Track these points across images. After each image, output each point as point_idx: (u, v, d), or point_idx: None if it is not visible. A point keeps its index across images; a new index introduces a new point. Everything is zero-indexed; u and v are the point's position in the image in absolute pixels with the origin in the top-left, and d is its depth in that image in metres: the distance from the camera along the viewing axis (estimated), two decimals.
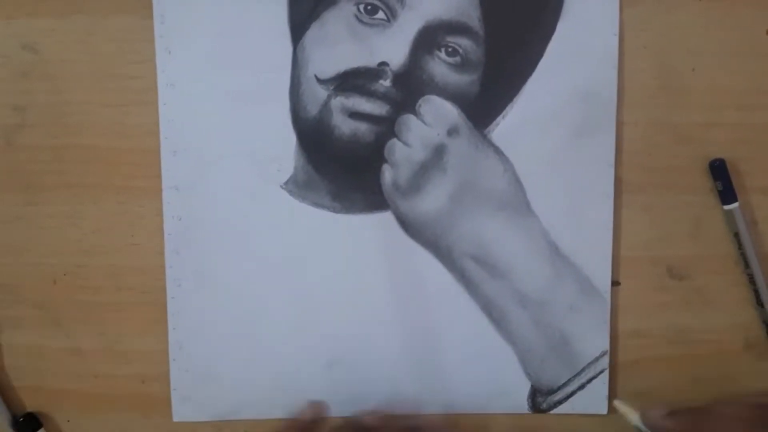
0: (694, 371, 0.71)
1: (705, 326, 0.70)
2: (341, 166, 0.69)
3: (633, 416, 0.64)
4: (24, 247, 0.71)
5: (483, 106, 0.68)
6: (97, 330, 0.72)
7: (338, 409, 0.71)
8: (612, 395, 0.70)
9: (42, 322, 0.72)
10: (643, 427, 0.63)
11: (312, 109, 0.68)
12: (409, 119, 0.68)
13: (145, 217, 0.70)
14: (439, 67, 0.67)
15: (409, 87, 0.67)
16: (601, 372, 0.70)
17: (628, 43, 0.68)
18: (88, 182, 0.70)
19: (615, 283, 0.70)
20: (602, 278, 0.69)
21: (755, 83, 0.68)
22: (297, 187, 0.69)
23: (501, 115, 0.68)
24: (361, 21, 0.67)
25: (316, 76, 0.68)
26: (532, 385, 0.70)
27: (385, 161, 0.68)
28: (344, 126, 0.68)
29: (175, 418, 0.72)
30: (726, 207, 0.68)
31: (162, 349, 0.71)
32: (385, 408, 0.69)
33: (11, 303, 0.72)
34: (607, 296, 0.69)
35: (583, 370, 0.70)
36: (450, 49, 0.67)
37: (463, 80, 0.67)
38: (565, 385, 0.70)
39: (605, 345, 0.70)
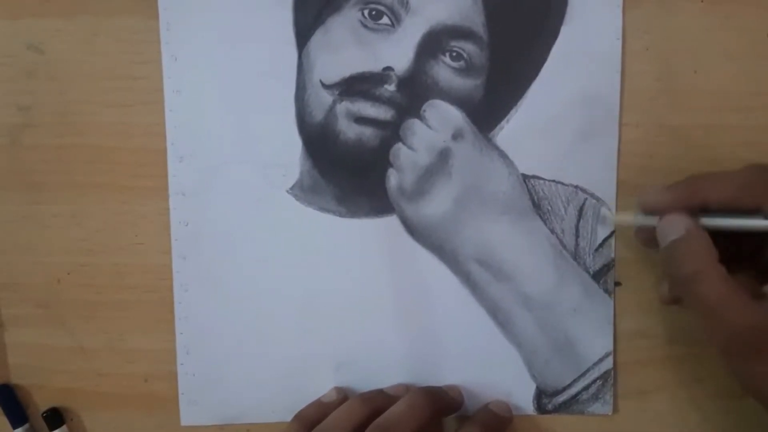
0: (697, 371, 0.71)
1: None
2: (347, 170, 0.69)
3: (629, 216, 0.65)
4: (28, 246, 0.71)
5: (487, 110, 0.68)
6: (101, 329, 0.72)
7: None
8: (616, 396, 0.71)
9: (46, 321, 0.72)
10: (642, 219, 0.63)
11: (317, 114, 0.68)
12: (414, 124, 0.68)
13: (149, 216, 0.70)
14: (443, 71, 0.67)
15: (413, 91, 0.68)
16: (606, 373, 0.70)
17: (630, 45, 0.68)
18: (92, 182, 0.70)
19: (617, 284, 0.70)
20: (606, 280, 0.70)
21: (757, 85, 0.68)
22: (303, 191, 0.69)
23: (505, 119, 0.68)
24: (365, 26, 0.67)
25: (321, 81, 0.68)
26: (537, 387, 0.71)
27: (391, 165, 0.69)
28: (349, 131, 0.68)
29: (183, 422, 0.72)
30: None
31: (166, 348, 0.71)
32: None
33: (15, 302, 0.72)
34: (611, 298, 0.70)
35: (587, 371, 0.70)
36: (454, 54, 0.67)
37: (468, 84, 0.68)
38: (570, 386, 0.70)
39: (609, 346, 0.70)
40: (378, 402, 0.67)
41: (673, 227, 0.60)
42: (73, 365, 0.72)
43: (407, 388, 0.70)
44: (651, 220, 0.62)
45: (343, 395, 0.70)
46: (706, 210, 0.60)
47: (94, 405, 0.73)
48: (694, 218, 0.60)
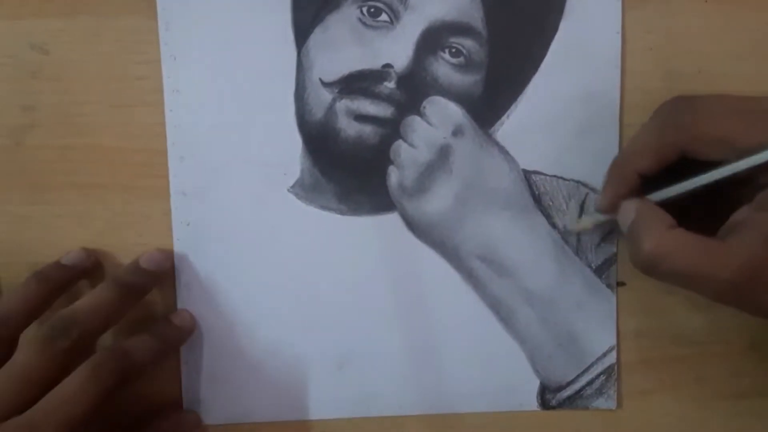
0: (699, 371, 0.71)
1: (710, 326, 0.70)
2: (347, 168, 0.69)
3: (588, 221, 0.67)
4: (31, 247, 0.71)
5: (487, 106, 0.68)
6: None
7: (349, 410, 0.72)
8: (620, 392, 0.71)
9: None
10: (599, 217, 0.66)
11: (317, 112, 0.68)
12: (414, 120, 0.68)
13: (152, 217, 0.70)
14: (443, 68, 0.67)
15: (413, 88, 0.68)
16: (609, 367, 0.70)
17: (634, 45, 0.68)
18: (96, 182, 0.70)
19: (620, 284, 0.70)
20: (608, 275, 0.70)
21: (762, 85, 0.68)
22: (303, 190, 0.69)
23: (505, 115, 0.68)
24: (364, 24, 0.67)
25: (320, 79, 0.68)
26: (540, 383, 0.71)
27: (391, 163, 0.69)
28: (349, 128, 0.68)
29: None
30: None
31: None
32: None
33: None
34: (613, 293, 0.70)
35: (591, 366, 0.70)
36: (453, 50, 0.67)
37: (467, 81, 0.68)
38: (573, 381, 0.70)
39: (612, 341, 0.70)
40: (56, 279, 0.67)
41: (626, 214, 0.60)
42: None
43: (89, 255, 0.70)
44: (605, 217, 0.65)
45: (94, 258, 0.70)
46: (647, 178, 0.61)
47: None
48: (643, 197, 0.61)
